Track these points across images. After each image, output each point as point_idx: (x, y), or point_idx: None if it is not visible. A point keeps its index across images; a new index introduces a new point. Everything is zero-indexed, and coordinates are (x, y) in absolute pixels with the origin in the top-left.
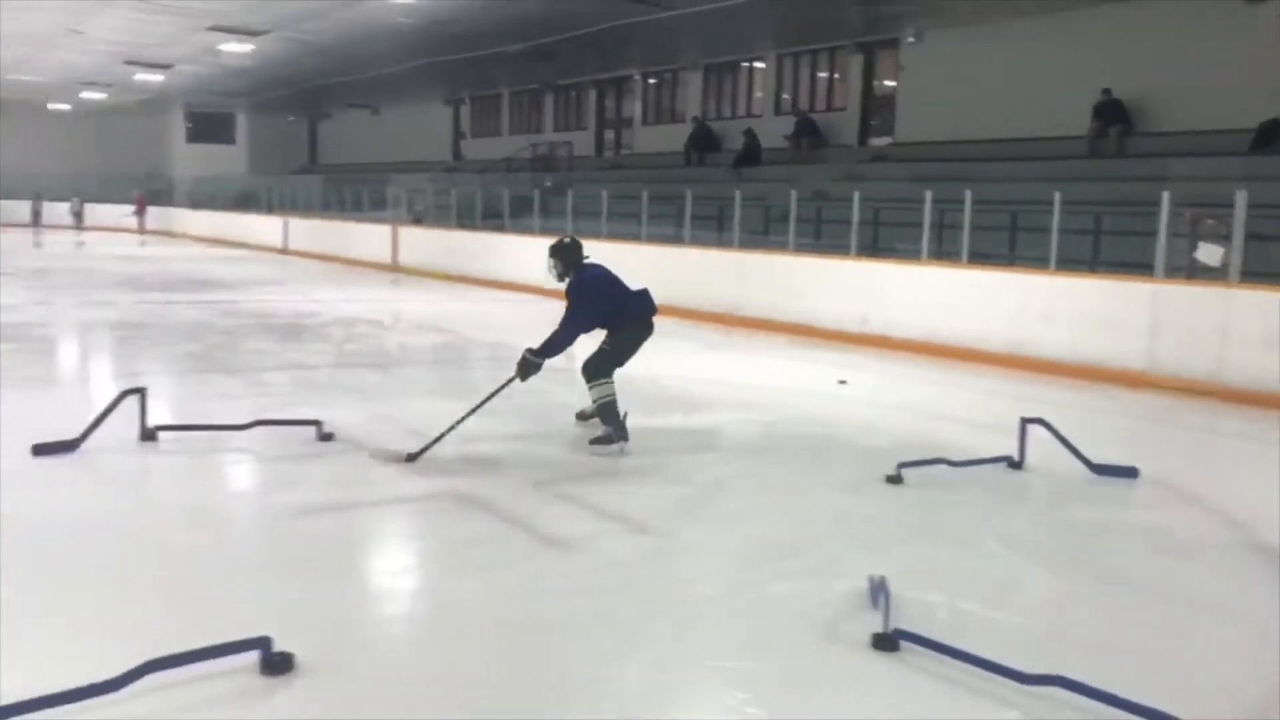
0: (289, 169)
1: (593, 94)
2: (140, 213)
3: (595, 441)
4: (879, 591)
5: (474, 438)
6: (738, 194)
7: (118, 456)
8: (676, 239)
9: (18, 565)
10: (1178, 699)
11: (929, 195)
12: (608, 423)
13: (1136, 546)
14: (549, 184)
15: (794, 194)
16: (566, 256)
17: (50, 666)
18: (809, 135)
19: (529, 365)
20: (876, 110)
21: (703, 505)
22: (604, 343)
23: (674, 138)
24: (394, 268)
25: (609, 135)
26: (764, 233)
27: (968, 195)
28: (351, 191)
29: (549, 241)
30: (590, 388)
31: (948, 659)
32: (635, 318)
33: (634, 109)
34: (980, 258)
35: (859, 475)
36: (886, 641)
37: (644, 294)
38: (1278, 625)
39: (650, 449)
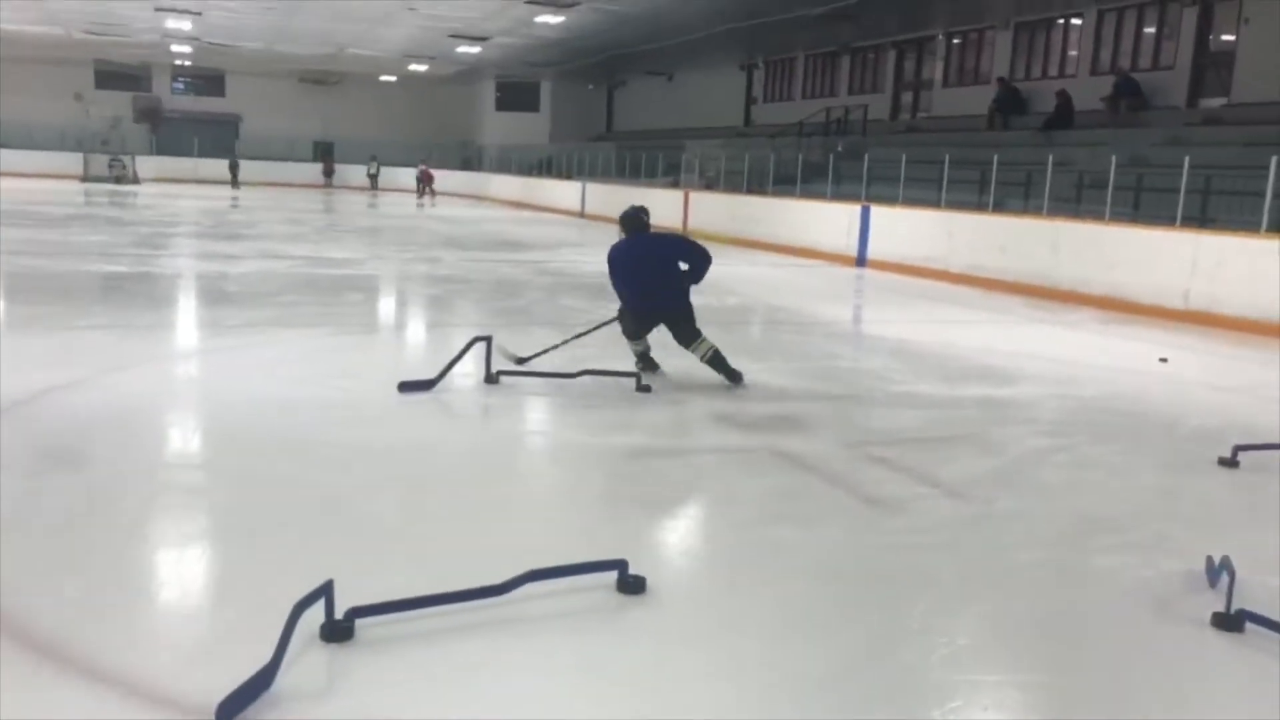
0: (587, 136)
1: (891, 56)
2: (424, 180)
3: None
4: (1219, 572)
5: (785, 396)
6: (1049, 158)
7: (468, 395)
8: (978, 205)
9: (392, 484)
10: None
11: (1275, 161)
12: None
13: None
14: (842, 148)
15: (1114, 159)
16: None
17: (443, 567)
18: (1129, 96)
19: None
20: (1210, 69)
21: (1019, 476)
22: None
23: (977, 100)
24: (684, 232)
25: (906, 98)
26: (1075, 200)
27: None
28: (646, 157)
29: (843, 206)
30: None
31: None
32: None
33: (935, 70)
34: None
35: (1187, 456)
36: (1230, 621)
37: None
38: None
39: (958, 419)
